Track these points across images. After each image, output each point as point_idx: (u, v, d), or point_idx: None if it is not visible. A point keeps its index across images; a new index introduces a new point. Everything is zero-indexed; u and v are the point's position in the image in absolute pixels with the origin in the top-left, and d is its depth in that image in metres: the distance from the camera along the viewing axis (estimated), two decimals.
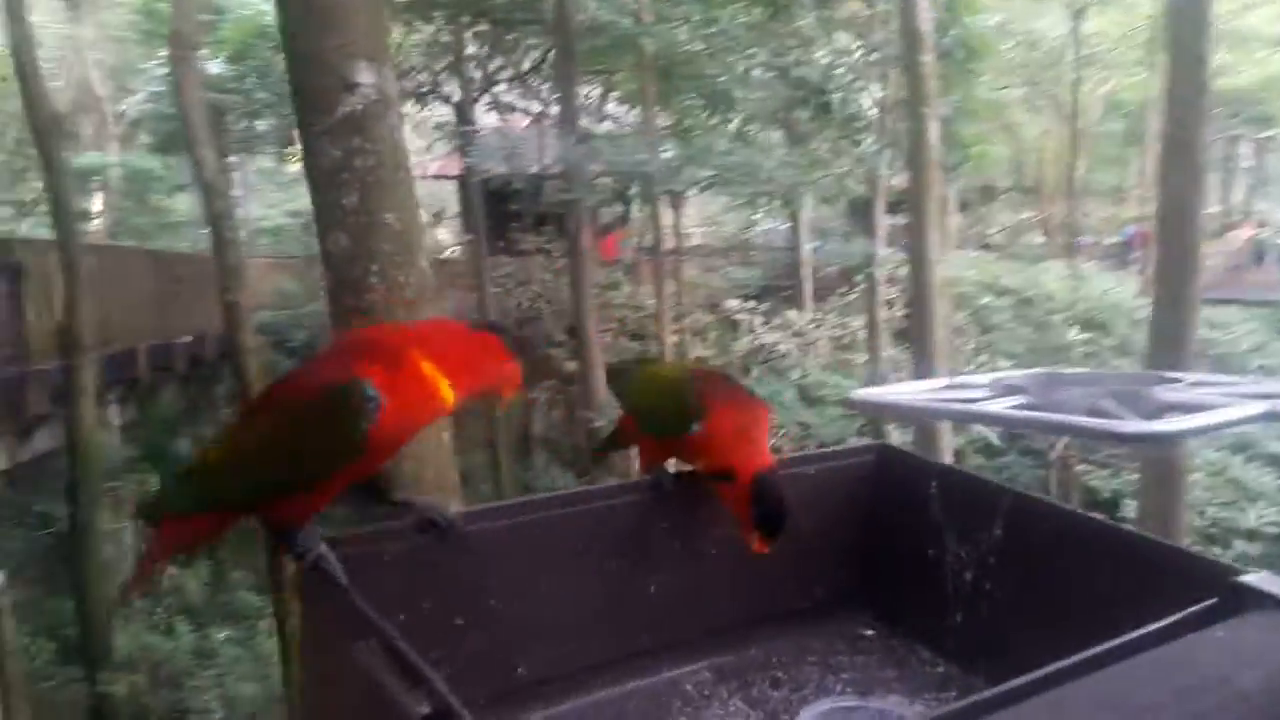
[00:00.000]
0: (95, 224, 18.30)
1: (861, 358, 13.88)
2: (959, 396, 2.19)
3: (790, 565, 1.64)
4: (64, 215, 9.55)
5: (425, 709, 0.86)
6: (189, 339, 12.89)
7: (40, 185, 12.09)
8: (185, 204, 18.44)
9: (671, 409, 1.44)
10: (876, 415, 8.61)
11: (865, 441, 1.78)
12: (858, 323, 14.39)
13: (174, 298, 13.27)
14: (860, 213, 16.04)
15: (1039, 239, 22.26)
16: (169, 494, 1.18)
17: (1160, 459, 6.07)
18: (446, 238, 19.73)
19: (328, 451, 1.07)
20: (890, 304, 13.98)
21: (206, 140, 8.86)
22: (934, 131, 8.64)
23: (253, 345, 8.91)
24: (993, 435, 10.45)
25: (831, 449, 1.71)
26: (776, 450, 1.53)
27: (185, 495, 1.13)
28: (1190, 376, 2.18)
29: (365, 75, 3.03)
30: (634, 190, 10.94)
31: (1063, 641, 0.94)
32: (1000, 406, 2.03)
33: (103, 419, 10.32)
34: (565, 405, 12.96)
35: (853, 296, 14.89)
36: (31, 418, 9.15)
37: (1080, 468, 12.20)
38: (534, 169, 11.12)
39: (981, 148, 13.26)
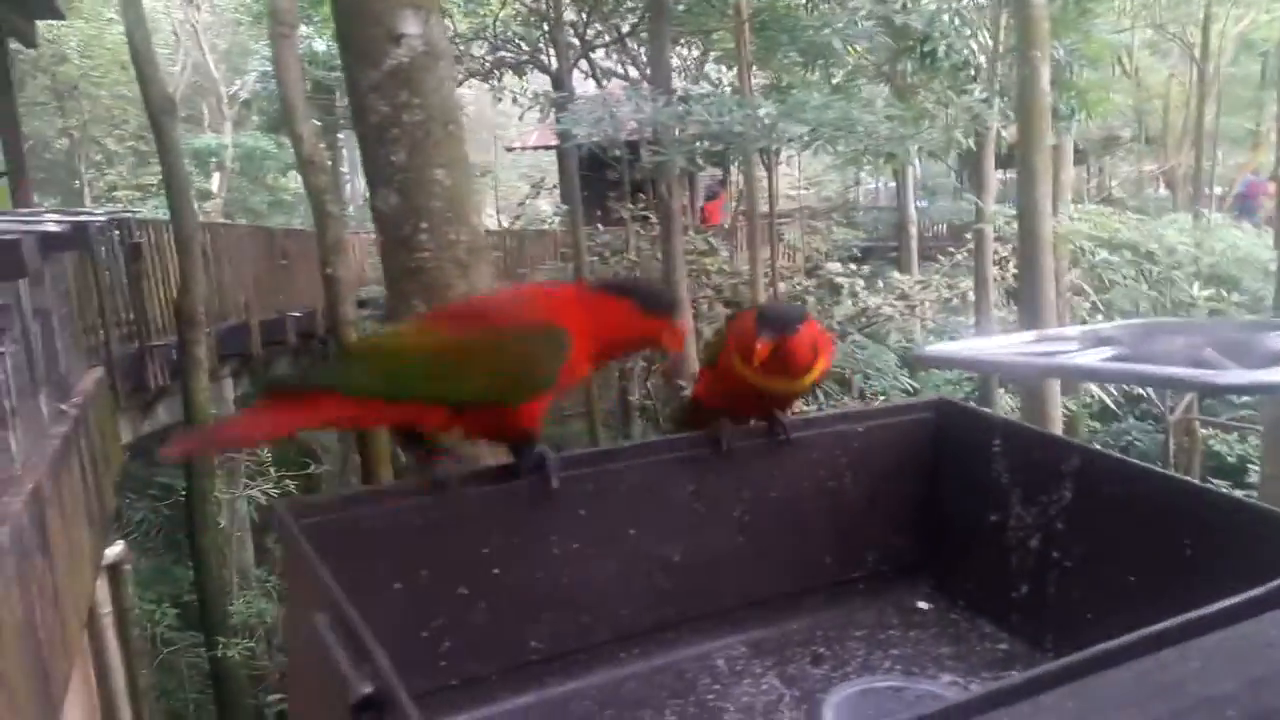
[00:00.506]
0: (213, 203, 19.04)
1: (970, 320, 13.36)
2: (1046, 350, 2.01)
3: (839, 532, 1.51)
4: (178, 195, 9.88)
5: (367, 689, 0.78)
6: (299, 314, 13.26)
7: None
8: (297, 182, 18.99)
9: (718, 334, 1.50)
10: (949, 369, 8.27)
11: (925, 398, 1.61)
12: (967, 283, 13.83)
13: (285, 273, 13.66)
14: (970, 168, 15.42)
15: (1163, 191, 21.05)
16: (336, 372, 1.22)
17: None
18: (546, 208, 19.82)
19: (525, 378, 1.15)
20: (1002, 263, 13.40)
21: (305, 117, 9.02)
22: (1045, 77, 8.16)
23: (353, 319, 9.08)
24: (1108, 399, 9.93)
25: (886, 405, 1.55)
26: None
27: (363, 378, 1.16)
28: None
29: (412, 25, 2.95)
30: (730, 151, 10.72)
31: (1139, 617, 0.81)
32: (1088, 359, 1.84)
33: (217, 393, 10.71)
34: (662, 373, 12.87)
35: (960, 256, 14.33)
36: (152, 392, 9.54)
37: (1204, 432, 11.51)
38: (627, 134, 11.00)
39: (1099, 94, 12.52)
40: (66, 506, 4.54)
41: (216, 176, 19.83)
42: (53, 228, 6.04)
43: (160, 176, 13.50)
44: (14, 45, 10.51)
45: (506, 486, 1.23)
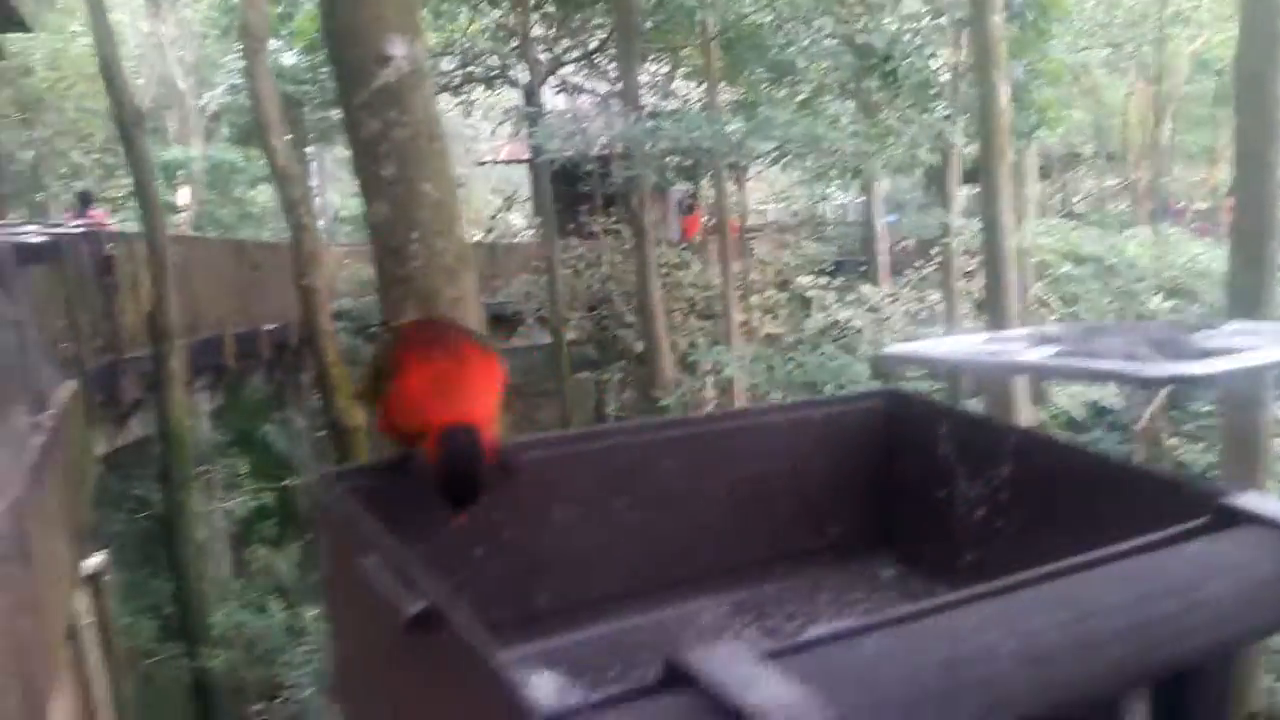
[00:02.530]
0: (182, 217, 18.97)
1: (940, 332, 13.63)
2: (996, 349, 2.19)
3: (807, 508, 1.67)
4: (149, 208, 9.91)
5: (418, 607, 0.91)
6: (272, 326, 13.28)
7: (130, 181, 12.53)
8: (265, 195, 18.96)
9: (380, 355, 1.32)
10: (910, 367, 8.48)
11: (875, 389, 1.79)
12: (935, 296, 14.15)
13: (257, 286, 13.68)
14: (937, 183, 15.74)
15: (1124, 205, 21.55)
16: None
17: (1242, 424, 5.84)
18: (519, 222, 19.93)
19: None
20: (969, 276, 13.72)
21: (279, 129, 9.12)
22: (1004, 96, 8.42)
23: (330, 329, 9.16)
24: (1075, 411, 10.20)
25: (839, 395, 1.72)
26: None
27: None
28: (1232, 325, 2.13)
29: (398, 47, 3.14)
30: (699, 166, 10.93)
31: None
32: (1031, 355, 2.03)
33: (192, 405, 10.72)
34: (637, 385, 13.04)
35: (929, 269, 14.64)
36: (127, 405, 9.54)
37: (1171, 441, 11.83)
38: (598, 149, 11.20)
39: (1057, 111, 12.88)
40: (45, 517, 4.60)
41: (185, 189, 19.76)
42: (33, 239, 6.11)
43: (128, 189, 13.49)
44: None
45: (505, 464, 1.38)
